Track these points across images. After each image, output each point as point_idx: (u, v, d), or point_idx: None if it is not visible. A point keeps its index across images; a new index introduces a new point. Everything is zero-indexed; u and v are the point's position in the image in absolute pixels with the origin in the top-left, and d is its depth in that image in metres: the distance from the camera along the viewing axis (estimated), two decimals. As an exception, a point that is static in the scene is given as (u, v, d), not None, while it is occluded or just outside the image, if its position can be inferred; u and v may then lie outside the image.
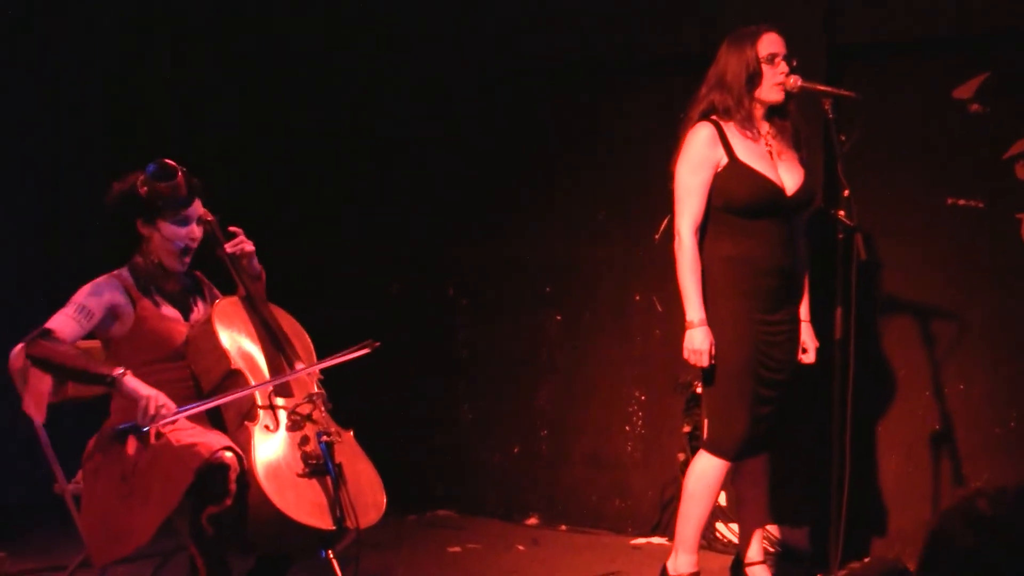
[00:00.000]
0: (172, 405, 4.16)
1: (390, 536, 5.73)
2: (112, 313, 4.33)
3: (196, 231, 4.41)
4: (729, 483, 5.39)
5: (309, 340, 4.68)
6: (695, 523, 4.84)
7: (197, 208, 4.41)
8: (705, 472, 4.80)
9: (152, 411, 4.10)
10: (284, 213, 7.09)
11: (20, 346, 4.56)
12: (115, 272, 4.38)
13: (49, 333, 4.20)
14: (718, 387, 4.75)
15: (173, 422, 4.16)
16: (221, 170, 6.40)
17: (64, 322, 4.23)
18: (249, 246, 4.62)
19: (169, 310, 4.41)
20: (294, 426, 4.34)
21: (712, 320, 4.70)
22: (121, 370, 4.16)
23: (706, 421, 4.85)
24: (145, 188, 4.32)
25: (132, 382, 4.15)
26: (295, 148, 7.15)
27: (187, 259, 4.43)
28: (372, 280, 6.94)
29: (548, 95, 6.54)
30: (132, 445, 4.20)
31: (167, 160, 4.38)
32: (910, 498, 5.64)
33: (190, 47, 7.10)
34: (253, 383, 4.35)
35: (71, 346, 4.23)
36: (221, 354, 4.36)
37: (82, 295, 4.30)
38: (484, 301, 6.71)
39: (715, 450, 4.78)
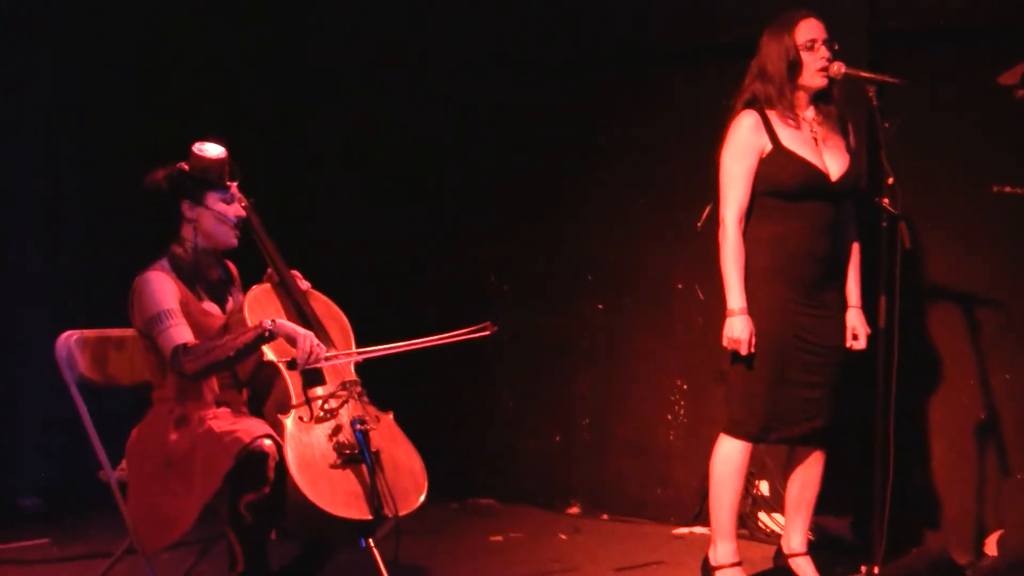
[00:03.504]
0: (323, 346, 4.25)
1: (431, 524, 5.74)
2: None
3: (241, 212, 4.43)
4: (776, 473, 5.39)
5: (348, 323, 4.65)
6: (727, 509, 4.83)
7: (237, 192, 4.43)
8: (729, 456, 4.80)
9: (308, 349, 4.17)
10: (326, 201, 7.11)
11: (67, 334, 4.61)
12: (156, 266, 4.33)
13: (184, 348, 4.16)
14: (743, 367, 4.74)
15: (328, 359, 4.28)
16: (260, 161, 6.41)
17: (178, 333, 4.19)
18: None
19: (210, 305, 4.41)
20: (328, 415, 4.33)
21: (749, 300, 4.69)
22: (269, 321, 4.19)
23: (727, 402, 4.84)
24: (192, 165, 4.33)
25: (285, 325, 4.22)
26: (336, 136, 7.17)
27: (237, 236, 4.42)
28: (414, 267, 6.95)
29: (589, 84, 6.53)
30: (175, 432, 4.23)
31: (212, 140, 4.40)
32: (955, 488, 5.61)
33: (229, 35, 7.11)
34: (286, 374, 4.34)
35: (208, 341, 4.21)
36: None
37: (158, 301, 4.23)
38: (526, 288, 6.70)
39: (735, 431, 4.78)
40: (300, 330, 4.22)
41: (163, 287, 4.26)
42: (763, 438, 4.83)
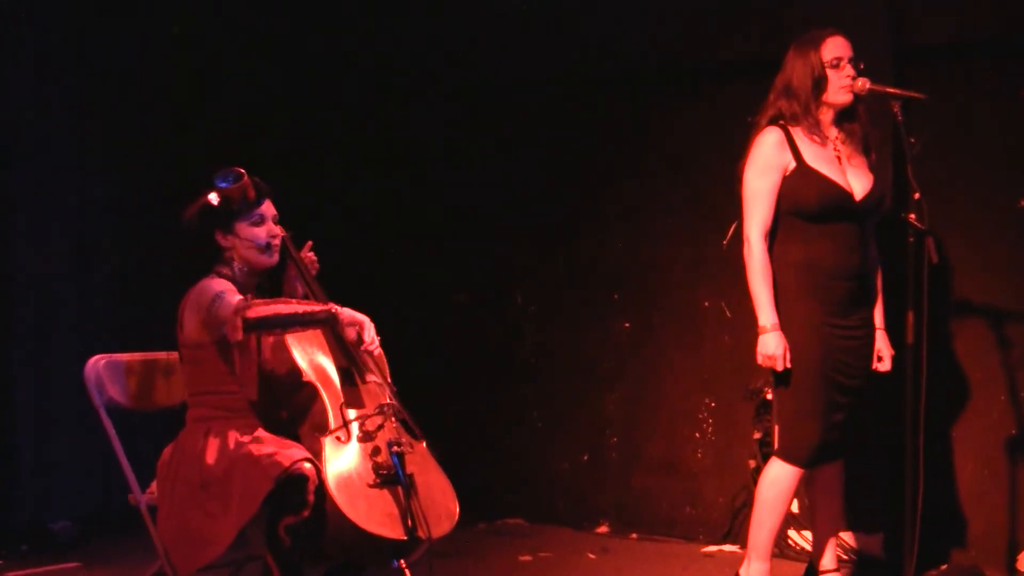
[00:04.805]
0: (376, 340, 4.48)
1: (461, 545, 5.73)
2: None
3: (275, 228, 4.44)
4: (803, 490, 5.36)
5: (383, 352, 4.68)
6: (768, 530, 4.80)
7: (270, 207, 4.44)
8: (778, 479, 4.76)
9: (373, 331, 4.40)
10: (352, 222, 7.13)
11: (95, 357, 4.63)
12: (211, 277, 4.35)
13: (247, 298, 4.20)
14: (790, 393, 4.71)
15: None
16: (282, 174, 6.42)
17: (233, 293, 4.22)
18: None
19: None
20: (365, 437, 4.36)
21: (785, 325, 4.67)
22: (331, 304, 4.33)
23: (777, 428, 4.81)
24: (216, 198, 4.36)
25: (346, 310, 4.37)
26: (361, 156, 7.19)
27: (275, 253, 4.44)
28: (440, 288, 6.96)
29: (615, 100, 6.53)
30: (212, 453, 4.24)
31: (231, 167, 4.41)
32: (986, 504, 5.58)
33: (248, 57, 7.15)
34: (325, 396, 4.38)
35: (272, 302, 4.26)
36: (294, 368, 4.39)
37: (214, 288, 4.26)
38: (552, 308, 6.71)
39: (787, 457, 4.74)
40: (360, 315, 4.40)
41: (223, 283, 4.31)
42: (814, 463, 4.79)
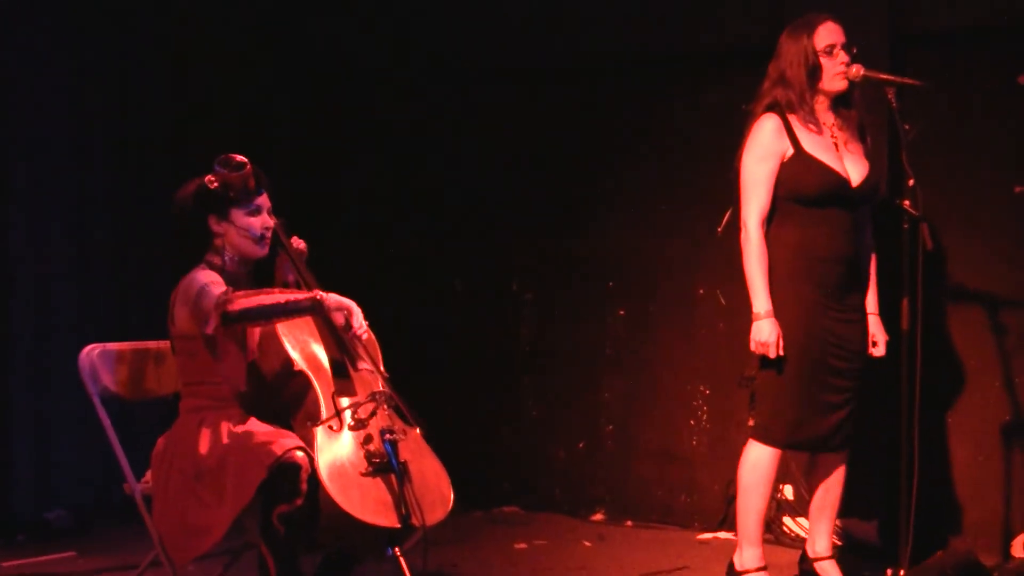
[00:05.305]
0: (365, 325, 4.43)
1: (456, 533, 5.75)
2: None
3: (268, 220, 4.43)
4: (800, 478, 5.38)
5: (375, 339, 4.68)
6: (755, 515, 4.80)
7: (266, 200, 4.42)
8: (758, 462, 4.77)
9: (361, 316, 4.34)
10: (347, 211, 7.13)
11: (89, 347, 4.63)
12: (200, 268, 4.34)
13: (229, 290, 4.18)
14: (773, 372, 4.71)
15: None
16: (281, 169, 6.43)
17: (220, 288, 4.19)
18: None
19: None
20: (358, 425, 4.34)
21: (778, 308, 4.66)
22: (316, 291, 4.29)
23: (756, 407, 4.81)
24: (216, 182, 4.35)
25: (332, 296, 4.30)
26: (355, 146, 7.19)
27: (266, 245, 4.44)
28: (436, 277, 6.96)
29: (610, 89, 6.54)
30: (205, 443, 4.24)
31: (233, 154, 4.41)
32: (981, 490, 5.59)
33: (245, 50, 7.14)
34: (317, 385, 4.37)
35: (254, 293, 4.24)
36: (285, 357, 4.38)
37: (201, 280, 4.24)
38: (548, 296, 6.71)
39: (764, 437, 4.75)
40: (347, 300, 4.34)
41: (209, 275, 4.29)
42: (792, 444, 4.80)
